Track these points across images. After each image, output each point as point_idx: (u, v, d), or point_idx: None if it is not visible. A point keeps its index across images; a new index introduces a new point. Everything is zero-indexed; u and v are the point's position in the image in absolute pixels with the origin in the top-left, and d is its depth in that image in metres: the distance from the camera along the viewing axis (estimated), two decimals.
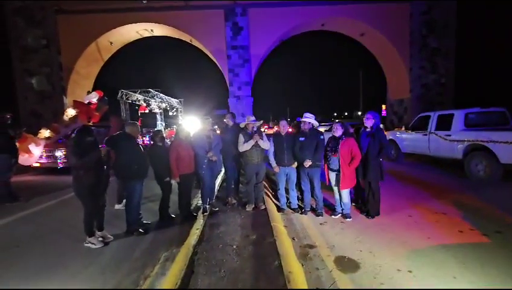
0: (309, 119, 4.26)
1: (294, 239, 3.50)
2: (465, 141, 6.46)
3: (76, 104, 9.81)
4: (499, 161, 5.66)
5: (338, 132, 4.03)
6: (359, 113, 33.92)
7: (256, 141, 4.42)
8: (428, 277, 2.59)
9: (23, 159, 7.03)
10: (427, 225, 3.83)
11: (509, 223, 3.82)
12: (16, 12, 13.08)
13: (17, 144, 5.87)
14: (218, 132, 5.66)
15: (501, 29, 15.92)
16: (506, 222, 3.83)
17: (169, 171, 4.15)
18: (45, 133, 8.92)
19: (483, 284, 2.45)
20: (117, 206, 4.83)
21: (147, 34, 16.12)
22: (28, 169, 8.17)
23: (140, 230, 3.83)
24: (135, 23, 13.99)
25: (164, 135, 4.58)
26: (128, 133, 3.88)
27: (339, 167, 3.94)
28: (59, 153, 8.09)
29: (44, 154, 8.10)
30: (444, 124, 7.19)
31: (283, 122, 4.49)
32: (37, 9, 13.11)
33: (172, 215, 4.40)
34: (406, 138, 8.64)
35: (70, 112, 9.34)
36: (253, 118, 4.69)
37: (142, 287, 2.54)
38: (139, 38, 16.66)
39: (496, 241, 3.26)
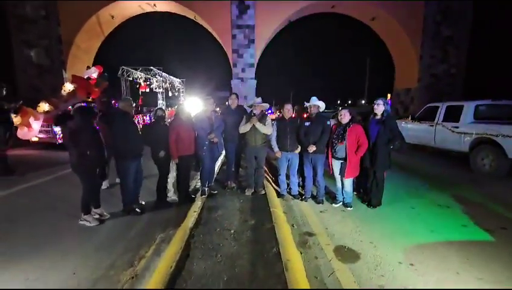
0: (317, 102, 4.09)
1: (293, 226, 3.42)
2: (473, 133, 6.27)
3: (75, 79, 9.57)
4: (507, 156, 5.51)
5: (345, 118, 3.86)
6: (363, 101, 33.43)
7: (254, 124, 4.27)
8: (431, 271, 2.51)
9: (23, 133, 6.91)
10: (430, 217, 3.74)
11: None
12: None
13: (15, 117, 5.71)
14: (219, 113, 5.48)
15: None
16: None
17: (165, 150, 4.02)
18: (44, 106, 8.75)
19: (488, 282, 2.36)
20: (118, 180, 4.74)
21: (149, 9, 15.50)
22: (26, 143, 8.06)
23: (136, 210, 3.75)
24: None
25: (165, 115, 4.41)
26: (122, 110, 3.73)
27: (345, 155, 3.79)
28: (57, 128, 7.95)
29: (43, 129, 7.96)
30: (453, 115, 6.97)
31: (287, 106, 4.31)
32: None
33: (172, 198, 4.31)
34: (411, 128, 8.44)
35: (68, 87, 9.12)
36: (259, 99, 4.51)
37: (138, 274, 2.47)
38: (142, 13, 16.06)
39: (501, 237, 3.16)
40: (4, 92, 5.45)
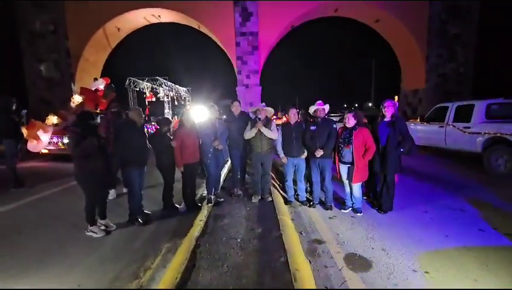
0: (323, 106, 4.02)
1: (301, 233, 3.33)
2: (485, 133, 6.08)
3: (83, 91, 9.76)
4: None
5: (350, 122, 3.78)
6: (370, 104, 33.16)
7: (259, 129, 4.22)
8: (448, 279, 2.39)
9: (32, 146, 7.02)
10: (444, 222, 3.59)
11: None
12: None
13: (24, 129, 5.83)
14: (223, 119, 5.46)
15: None
16: None
17: (169, 159, 4.03)
18: (53, 119, 8.93)
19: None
20: (125, 190, 4.75)
21: (154, 20, 15.79)
22: (36, 155, 8.21)
23: (140, 220, 3.72)
24: (142, 8, 13.70)
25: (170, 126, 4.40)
26: (131, 119, 3.75)
27: (352, 159, 3.70)
28: (66, 140, 8.07)
29: (52, 141, 8.09)
30: (463, 115, 6.79)
31: (293, 111, 4.25)
32: None
33: (177, 205, 4.28)
34: (420, 130, 8.26)
35: (77, 99, 9.30)
36: (263, 104, 4.49)
37: (143, 286, 2.43)
38: (147, 25, 16.37)
39: None
40: (14, 106, 5.55)
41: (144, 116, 4.05)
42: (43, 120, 8.31)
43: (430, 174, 6.19)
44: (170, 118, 14.10)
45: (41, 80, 13.55)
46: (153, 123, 13.41)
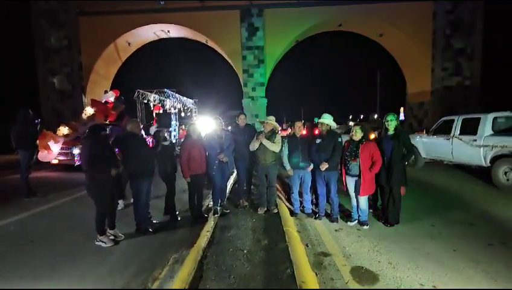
0: (327, 120, 4.08)
1: (307, 246, 3.34)
2: (492, 146, 6.05)
3: (94, 103, 10.07)
4: None
5: (357, 135, 3.83)
6: (375, 116, 33.08)
7: (261, 142, 4.31)
8: None
9: (43, 156, 7.22)
10: (452, 236, 3.56)
11: None
12: (41, 14, 13.65)
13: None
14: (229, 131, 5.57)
15: None
16: None
17: (172, 168, 4.24)
18: (64, 130, 9.19)
19: None
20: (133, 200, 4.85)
21: (163, 35, 16.36)
22: (47, 165, 8.40)
23: (149, 229, 3.79)
24: (152, 24, 14.24)
25: (166, 135, 4.54)
26: (131, 131, 3.87)
27: (359, 172, 3.73)
28: (76, 151, 8.28)
29: (62, 152, 8.29)
30: (470, 128, 6.77)
31: (298, 124, 4.34)
32: (61, 11, 13.63)
33: (178, 218, 4.36)
34: (426, 143, 8.23)
35: (89, 111, 9.59)
36: (271, 117, 4.59)
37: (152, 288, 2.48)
38: (156, 40, 16.94)
39: None
40: (30, 118, 5.73)
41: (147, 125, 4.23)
42: (55, 131, 8.55)
43: (437, 187, 6.14)
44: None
45: (54, 92, 14.04)
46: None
